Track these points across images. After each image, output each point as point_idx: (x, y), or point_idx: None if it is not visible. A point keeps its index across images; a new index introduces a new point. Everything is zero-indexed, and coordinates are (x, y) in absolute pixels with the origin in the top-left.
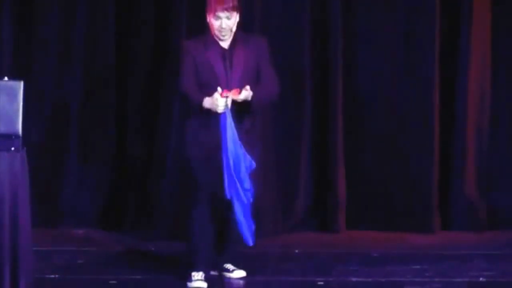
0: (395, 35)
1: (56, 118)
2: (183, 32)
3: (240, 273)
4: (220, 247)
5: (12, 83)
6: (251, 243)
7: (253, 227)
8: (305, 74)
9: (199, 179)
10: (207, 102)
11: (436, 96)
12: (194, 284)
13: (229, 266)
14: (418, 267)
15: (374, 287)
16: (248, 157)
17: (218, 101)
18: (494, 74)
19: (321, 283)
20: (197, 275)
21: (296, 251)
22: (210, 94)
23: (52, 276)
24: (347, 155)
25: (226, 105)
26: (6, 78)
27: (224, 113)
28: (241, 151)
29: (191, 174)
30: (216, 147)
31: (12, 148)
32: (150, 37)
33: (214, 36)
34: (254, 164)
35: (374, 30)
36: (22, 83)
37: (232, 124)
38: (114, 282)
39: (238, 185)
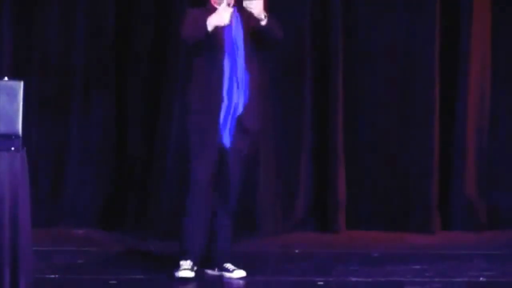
0: (395, 35)
1: (56, 118)
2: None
3: (240, 273)
4: (213, 246)
5: (12, 83)
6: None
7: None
8: (305, 74)
9: (198, 169)
10: (212, 20)
11: (436, 96)
12: (180, 273)
13: (229, 266)
14: (418, 267)
15: (374, 287)
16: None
17: (225, 10)
18: (494, 74)
19: (321, 283)
20: (185, 264)
21: (296, 251)
22: (214, 57)
23: (52, 276)
24: (347, 155)
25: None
26: (6, 78)
27: (229, 28)
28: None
29: (189, 162)
30: (216, 118)
31: (12, 148)
32: (150, 37)
33: (214, 3)
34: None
35: (374, 30)
36: (22, 83)
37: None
38: (114, 282)
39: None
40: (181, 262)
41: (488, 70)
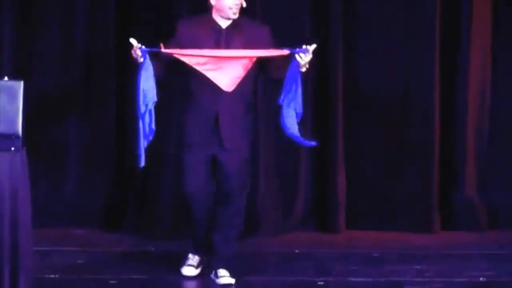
0: (395, 34)
1: (56, 118)
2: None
3: (227, 280)
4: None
5: (12, 83)
6: (310, 143)
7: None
8: (305, 73)
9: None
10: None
11: (436, 96)
12: (184, 270)
13: (219, 271)
14: (418, 267)
15: (374, 287)
16: None
17: (135, 52)
18: (494, 74)
19: (321, 283)
20: (192, 259)
21: (296, 251)
22: (199, 73)
23: (52, 276)
24: (347, 155)
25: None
26: (6, 78)
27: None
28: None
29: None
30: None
31: (12, 148)
32: (150, 37)
33: (218, 15)
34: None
35: (374, 30)
36: (22, 83)
37: None
38: (114, 282)
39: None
40: (189, 255)
41: (488, 70)
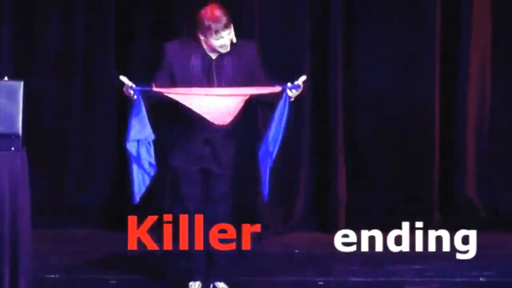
0: (395, 34)
1: (56, 117)
2: (183, 34)
3: None
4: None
5: (12, 83)
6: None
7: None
8: (305, 72)
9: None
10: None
11: (436, 96)
12: None
13: (217, 284)
14: (418, 267)
15: (374, 287)
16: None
17: (127, 91)
18: (494, 74)
19: (321, 283)
20: (194, 285)
21: (296, 251)
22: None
23: (52, 276)
24: (347, 155)
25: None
26: (6, 78)
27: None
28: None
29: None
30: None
31: (12, 148)
32: (150, 36)
33: (208, 48)
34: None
35: (374, 30)
36: (22, 83)
37: None
38: (114, 282)
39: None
40: (190, 283)
41: (488, 70)
